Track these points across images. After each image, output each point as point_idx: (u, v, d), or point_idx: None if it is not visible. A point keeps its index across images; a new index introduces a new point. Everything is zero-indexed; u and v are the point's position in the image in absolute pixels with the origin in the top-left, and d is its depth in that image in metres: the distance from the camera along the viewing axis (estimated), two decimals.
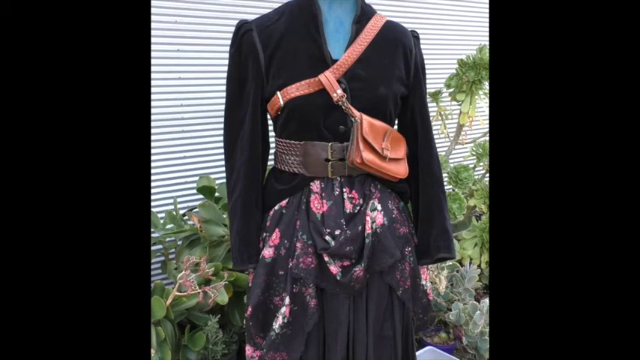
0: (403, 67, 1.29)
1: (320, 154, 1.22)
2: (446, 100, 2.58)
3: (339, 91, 1.17)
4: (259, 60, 1.20)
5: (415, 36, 1.35)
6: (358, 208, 1.25)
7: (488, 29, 2.92)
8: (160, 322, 1.56)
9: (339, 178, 1.24)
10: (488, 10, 2.96)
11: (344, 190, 1.25)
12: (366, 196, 1.26)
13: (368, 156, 1.18)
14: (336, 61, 1.21)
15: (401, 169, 1.27)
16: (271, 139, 1.32)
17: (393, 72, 1.26)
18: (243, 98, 1.24)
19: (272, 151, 1.33)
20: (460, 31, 2.94)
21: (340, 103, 1.18)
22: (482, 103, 2.44)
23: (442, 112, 2.54)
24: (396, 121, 1.36)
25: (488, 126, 2.56)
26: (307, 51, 1.21)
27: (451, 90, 2.47)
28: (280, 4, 1.27)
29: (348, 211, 1.24)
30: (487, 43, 2.41)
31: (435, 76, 2.66)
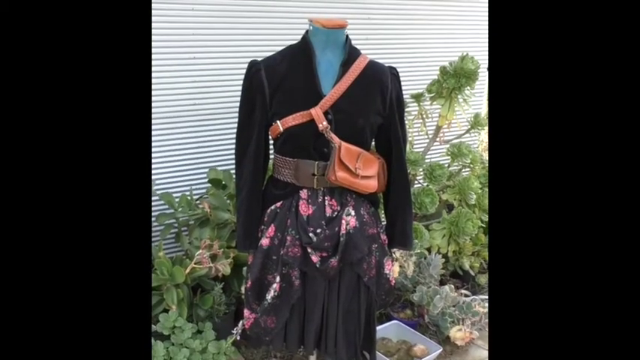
0: (380, 101, 1.57)
1: (308, 169, 1.54)
2: (428, 100, 2.81)
3: (325, 123, 1.48)
4: (265, 95, 1.51)
5: (393, 73, 1.61)
6: (336, 213, 1.58)
7: (471, 37, 3.15)
8: (180, 286, 1.95)
9: (322, 189, 1.57)
10: (473, 18, 3.16)
11: (325, 198, 1.58)
12: (343, 204, 1.59)
13: (341, 175, 1.49)
14: (325, 96, 1.52)
15: (371, 185, 1.58)
16: (270, 154, 1.66)
17: (370, 106, 1.56)
18: (251, 122, 1.56)
19: (271, 161, 1.66)
20: (445, 37, 3.10)
21: (324, 132, 1.49)
22: (460, 108, 2.68)
23: (423, 113, 2.79)
24: (373, 141, 1.68)
25: (464, 129, 2.85)
26: (303, 88, 1.51)
27: (432, 95, 2.68)
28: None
29: (328, 215, 1.57)
30: (470, 51, 2.63)
31: (419, 79, 2.87)
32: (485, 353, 2.36)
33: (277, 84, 1.51)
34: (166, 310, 1.96)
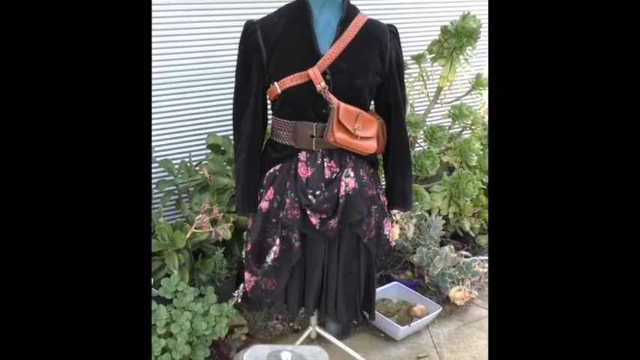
0: (379, 61, 1.54)
1: (307, 131, 1.53)
2: (429, 62, 2.78)
3: (322, 83, 1.46)
4: (262, 56, 1.49)
5: (392, 31, 1.58)
6: (335, 174, 1.58)
7: None
8: (181, 251, 1.97)
9: (321, 151, 1.56)
10: None
11: (325, 160, 1.57)
12: (342, 166, 1.58)
13: (340, 136, 1.48)
14: (323, 56, 1.49)
15: (370, 145, 1.57)
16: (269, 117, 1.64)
17: (369, 65, 1.53)
18: (248, 85, 1.54)
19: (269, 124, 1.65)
20: None
21: (322, 92, 1.47)
22: (461, 69, 2.65)
23: (424, 74, 2.76)
24: (372, 102, 1.66)
25: (465, 90, 2.82)
26: (300, 48, 1.49)
27: (433, 55, 2.64)
28: None
29: (327, 176, 1.57)
30: (471, 9, 2.57)
31: (420, 39, 2.81)
32: (485, 312, 2.40)
33: (274, 45, 1.49)
34: (168, 275, 1.97)
